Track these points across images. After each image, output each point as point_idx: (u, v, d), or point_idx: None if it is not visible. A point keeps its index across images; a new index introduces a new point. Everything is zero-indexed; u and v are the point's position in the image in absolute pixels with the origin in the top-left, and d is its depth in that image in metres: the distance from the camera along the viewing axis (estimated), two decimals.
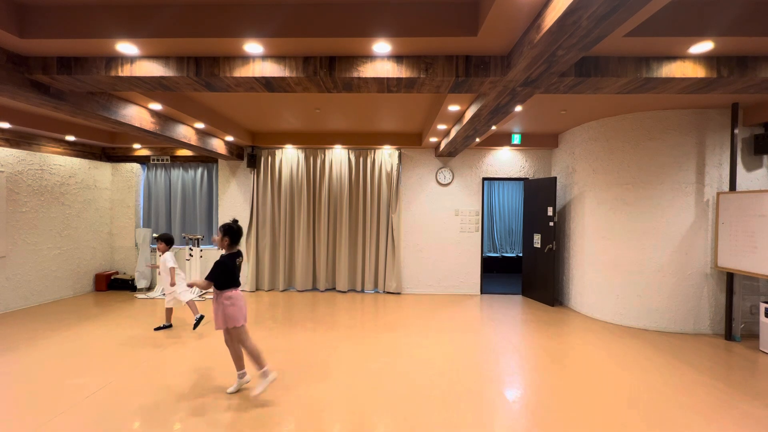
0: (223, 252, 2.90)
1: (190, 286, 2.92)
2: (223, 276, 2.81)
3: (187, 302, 4.32)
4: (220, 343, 3.91)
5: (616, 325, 4.71)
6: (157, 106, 4.03)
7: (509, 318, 4.97)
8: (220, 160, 6.52)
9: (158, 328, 4.32)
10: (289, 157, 6.39)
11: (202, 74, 2.73)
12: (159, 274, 4.61)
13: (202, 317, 4.19)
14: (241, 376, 2.93)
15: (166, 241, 4.42)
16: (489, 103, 3.27)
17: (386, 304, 5.65)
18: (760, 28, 2.42)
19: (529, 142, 5.95)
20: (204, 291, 6.10)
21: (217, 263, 2.80)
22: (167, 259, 4.36)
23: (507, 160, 6.31)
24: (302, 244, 6.29)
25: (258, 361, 2.82)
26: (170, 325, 4.39)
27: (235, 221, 2.97)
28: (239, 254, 2.94)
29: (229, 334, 2.87)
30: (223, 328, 2.83)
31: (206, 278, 2.77)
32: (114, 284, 6.36)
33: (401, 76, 2.68)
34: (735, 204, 4.08)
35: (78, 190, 6.06)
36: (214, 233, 6.60)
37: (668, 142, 4.48)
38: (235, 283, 2.87)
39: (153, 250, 6.50)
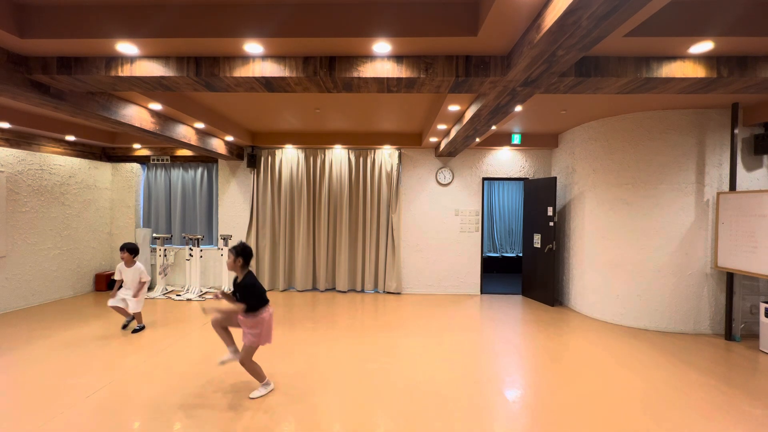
0: (236, 274, 2.87)
1: (204, 311, 2.89)
2: (259, 295, 2.82)
3: (136, 312, 4.25)
4: (219, 343, 3.92)
5: (616, 325, 4.71)
6: (157, 106, 4.03)
7: (509, 318, 4.97)
8: (220, 160, 6.52)
9: (129, 327, 4.28)
10: (289, 157, 6.39)
11: (202, 74, 2.73)
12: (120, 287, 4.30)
13: (130, 323, 4.33)
14: (266, 385, 2.93)
15: (131, 250, 4.24)
16: (489, 103, 3.27)
17: (386, 304, 5.65)
18: (760, 28, 2.42)
19: (529, 142, 5.95)
20: (205, 291, 6.10)
21: (252, 287, 2.79)
22: (143, 271, 4.26)
23: (507, 160, 6.31)
24: (302, 244, 6.29)
25: (259, 376, 2.91)
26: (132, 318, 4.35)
27: (245, 244, 2.96)
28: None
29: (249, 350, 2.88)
30: (262, 344, 2.87)
31: (241, 301, 2.78)
32: (114, 284, 6.33)
33: (401, 76, 2.68)
34: (735, 204, 4.08)
35: (78, 190, 6.06)
36: (215, 233, 6.62)
37: (668, 142, 4.48)
38: (267, 300, 2.90)
39: (153, 250, 6.51)
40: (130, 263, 4.25)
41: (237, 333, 3.00)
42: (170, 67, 2.72)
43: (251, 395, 2.84)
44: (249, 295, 2.78)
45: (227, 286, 6.03)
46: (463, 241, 6.32)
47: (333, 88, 2.99)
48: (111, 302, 4.18)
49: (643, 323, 4.60)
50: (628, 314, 4.69)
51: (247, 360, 2.83)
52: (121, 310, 4.26)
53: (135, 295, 4.19)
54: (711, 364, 3.53)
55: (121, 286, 4.28)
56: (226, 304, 2.85)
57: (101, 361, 3.45)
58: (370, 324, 4.65)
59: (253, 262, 6.31)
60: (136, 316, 4.29)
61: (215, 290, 2.81)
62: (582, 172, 5.30)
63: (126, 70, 2.74)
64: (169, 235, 6.25)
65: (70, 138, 5.47)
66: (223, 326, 2.95)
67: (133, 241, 6.50)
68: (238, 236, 6.43)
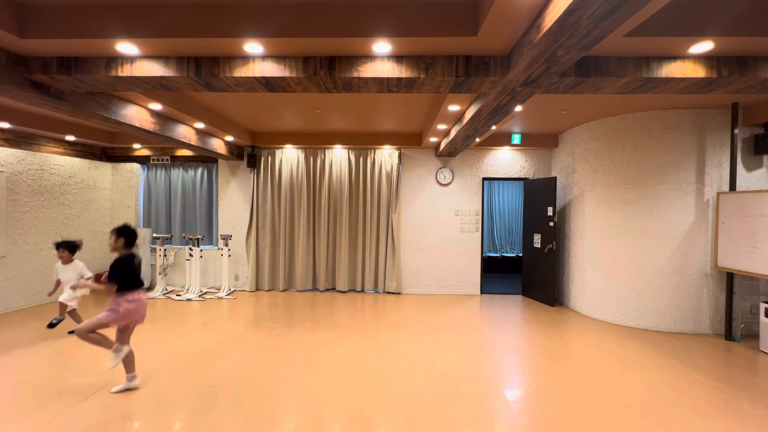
0: (80, 265, 2.85)
1: (73, 288, 2.94)
2: (126, 277, 2.80)
3: (70, 312, 4.07)
4: (218, 341, 3.92)
5: (616, 325, 4.71)
6: (157, 106, 4.03)
7: (509, 318, 4.97)
8: (220, 160, 6.52)
9: (51, 325, 4.00)
10: (289, 157, 6.39)
11: (202, 74, 2.73)
12: (59, 287, 4.01)
13: (60, 321, 4.07)
14: (131, 378, 2.90)
15: (71, 248, 3.94)
16: (489, 103, 3.27)
17: (386, 304, 5.65)
18: (760, 28, 2.42)
19: (529, 142, 5.95)
20: (205, 291, 6.10)
21: (117, 263, 2.77)
22: (83, 267, 3.97)
23: (507, 160, 6.31)
24: (302, 244, 6.29)
25: (106, 344, 2.87)
26: (63, 318, 4.09)
27: (128, 225, 2.94)
28: (135, 256, 2.91)
29: (122, 333, 2.88)
30: (127, 325, 2.88)
31: (108, 280, 2.73)
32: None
33: (401, 76, 2.68)
34: (735, 204, 4.08)
35: (78, 190, 6.06)
36: (215, 233, 6.62)
37: (668, 142, 4.48)
38: (138, 284, 2.87)
39: (153, 250, 6.51)
40: (67, 261, 3.95)
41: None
42: (170, 67, 2.72)
43: (112, 390, 2.85)
44: (113, 271, 2.75)
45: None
46: (463, 241, 6.32)
47: (333, 88, 2.99)
48: (61, 298, 3.96)
49: (643, 323, 4.60)
50: (628, 314, 4.69)
51: (84, 330, 2.75)
52: (64, 308, 4.03)
53: (74, 287, 3.68)
54: (711, 364, 3.53)
55: (57, 287, 4.04)
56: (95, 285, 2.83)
57: (101, 361, 3.45)
58: (371, 324, 4.65)
59: (253, 262, 6.31)
60: (60, 307, 4.02)
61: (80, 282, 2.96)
62: (582, 172, 5.30)
63: (126, 70, 2.74)
64: (169, 235, 6.25)
65: (70, 138, 5.47)
66: (91, 330, 2.80)
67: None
68: (239, 236, 6.43)
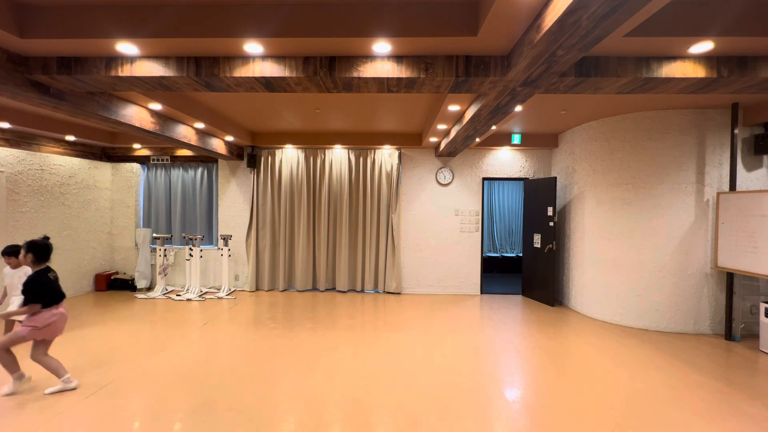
0: (29, 270, 2.82)
1: (5, 317, 2.78)
2: (44, 293, 2.79)
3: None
4: (218, 341, 3.92)
5: (616, 325, 4.71)
6: (157, 106, 4.03)
7: (509, 318, 4.97)
8: (220, 160, 6.52)
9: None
10: (289, 157, 6.39)
11: (202, 74, 2.73)
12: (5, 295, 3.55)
13: None
14: (67, 381, 2.89)
15: (17, 254, 3.38)
16: (489, 103, 3.27)
17: (386, 304, 5.65)
18: (760, 28, 2.42)
19: (529, 142, 5.95)
20: (205, 291, 6.10)
21: (29, 283, 2.73)
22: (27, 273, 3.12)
23: (507, 160, 6.31)
24: (302, 244, 6.29)
25: (57, 371, 2.87)
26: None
27: (45, 238, 2.88)
28: (50, 270, 2.88)
29: (40, 346, 2.85)
30: (46, 339, 2.85)
31: (29, 303, 2.72)
32: (114, 284, 6.36)
33: (401, 76, 2.68)
34: (735, 204, 4.08)
35: (78, 190, 6.06)
36: (215, 233, 6.62)
37: (668, 142, 4.48)
38: (58, 298, 2.87)
39: (153, 250, 6.51)
40: (16, 266, 3.46)
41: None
42: (170, 67, 2.72)
43: (46, 391, 2.83)
44: (28, 292, 2.73)
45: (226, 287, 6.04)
46: (463, 241, 6.32)
47: (333, 88, 2.99)
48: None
49: (643, 323, 4.60)
50: (628, 314, 4.69)
51: (2, 347, 2.75)
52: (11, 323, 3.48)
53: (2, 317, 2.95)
54: (711, 364, 3.53)
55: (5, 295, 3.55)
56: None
57: (100, 361, 3.45)
58: (371, 324, 4.65)
59: (253, 262, 6.31)
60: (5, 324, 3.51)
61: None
62: (582, 172, 5.30)
63: (126, 70, 2.74)
64: (169, 235, 6.25)
65: (70, 138, 5.47)
66: (7, 347, 2.79)
67: (135, 241, 6.53)
68: (239, 236, 6.43)
